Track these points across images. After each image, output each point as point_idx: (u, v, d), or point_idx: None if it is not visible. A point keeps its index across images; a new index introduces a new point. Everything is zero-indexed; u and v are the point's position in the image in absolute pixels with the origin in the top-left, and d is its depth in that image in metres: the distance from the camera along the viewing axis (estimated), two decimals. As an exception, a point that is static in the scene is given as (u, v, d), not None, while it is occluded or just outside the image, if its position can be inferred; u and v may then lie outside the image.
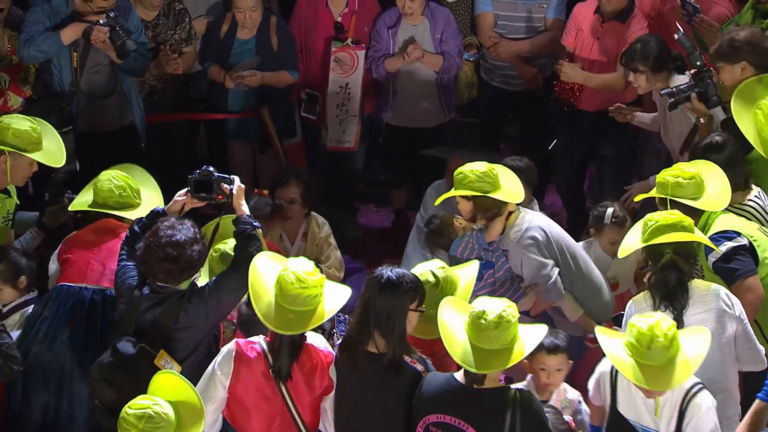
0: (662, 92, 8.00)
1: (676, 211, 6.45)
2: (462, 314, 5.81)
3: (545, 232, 6.96)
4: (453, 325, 5.78)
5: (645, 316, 5.62)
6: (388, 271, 5.96)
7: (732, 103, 7.48)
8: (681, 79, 7.97)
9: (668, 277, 6.21)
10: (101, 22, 8.31)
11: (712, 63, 7.91)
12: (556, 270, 6.98)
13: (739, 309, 6.30)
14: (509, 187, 7.00)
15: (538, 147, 9.06)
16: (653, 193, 6.93)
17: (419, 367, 6.00)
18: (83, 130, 8.66)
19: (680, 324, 6.07)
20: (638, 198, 7.40)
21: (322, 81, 9.37)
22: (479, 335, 5.59)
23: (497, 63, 9.41)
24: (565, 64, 8.88)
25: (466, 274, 6.61)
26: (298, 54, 9.43)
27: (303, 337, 6.09)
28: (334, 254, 8.01)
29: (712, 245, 6.53)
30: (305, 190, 8.26)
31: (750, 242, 6.68)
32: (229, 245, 6.87)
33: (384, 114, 9.52)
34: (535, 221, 7.00)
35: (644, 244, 6.28)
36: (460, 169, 6.93)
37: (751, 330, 6.35)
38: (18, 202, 7.54)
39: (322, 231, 8.29)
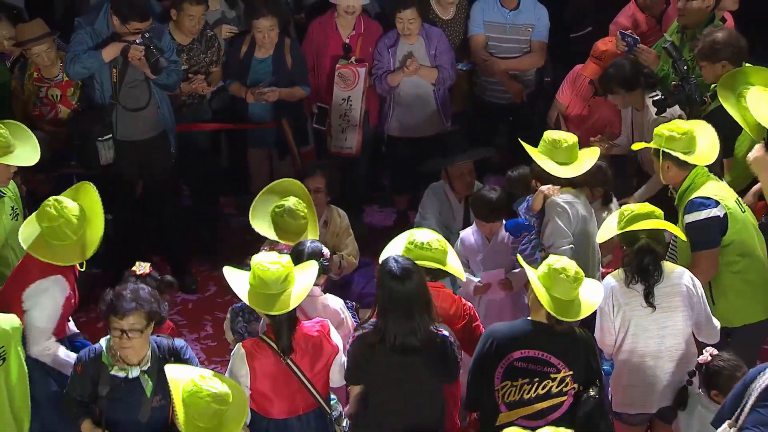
0: (652, 97, 8.30)
1: (647, 204, 6.82)
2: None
3: (576, 211, 7.29)
4: (532, 276, 6.27)
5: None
6: (394, 263, 6.35)
7: (718, 93, 7.81)
8: (652, 93, 8.37)
9: (643, 258, 6.60)
10: (137, 42, 8.68)
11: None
12: (570, 247, 7.25)
13: (700, 290, 6.73)
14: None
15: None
16: (650, 144, 7.23)
17: (446, 332, 6.37)
18: (121, 138, 9.00)
19: (652, 297, 6.60)
20: (636, 147, 7.64)
21: (329, 95, 9.70)
22: (560, 287, 6.12)
23: (488, 79, 9.71)
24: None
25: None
26: (311, 71, 9.72)
27: (296, 314, 6.47)
28: (352, 244, 8.27)
29: (681, 235, 6.88)
30: (329, 181, 8.62)
31: (725, 213, 6.96)
32: (291, 201, 7.25)
33: (386, 125, 9.83)
34: (571, 201, 7.32)
35: (620, 231, 6.67)
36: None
37: (708, 308, 6.78)
38: (21, 196, 7.63)
39: (342, 222, 8.54)
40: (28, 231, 6.71)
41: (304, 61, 9.67)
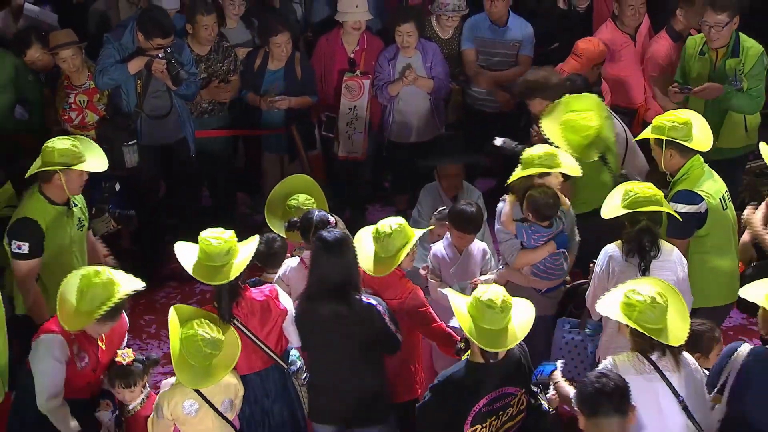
0: (497, 142, 8.36)
1: (651, 185, 6.86)
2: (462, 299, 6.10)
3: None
4: (459, 307, 6.04)
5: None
6: (327, 234, 6.45)
7: (541, 125, 8.05)
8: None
9: (642, 238, 6.73)
10: (160, 56, 8.91)
11: None
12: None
13: (685, 264, 6.92)
14: (570, 163, 7.46)
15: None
16: (648, 134, 7.31)
17: (372, 301, 6.42)
18: (145, 143, 9.17)
19: (648, 271, 6.72)
20: (641, 137, 7.57)
21: (336, 105, 9.87)
22: (489, 318, 5.89)
23: (478, 90, 9.99)
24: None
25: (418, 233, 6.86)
26: (318, 83, 9.94)
27: (238, 284, 6.56)
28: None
29: (677, 216, 6.94)
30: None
31: (707, 209, 7.13)
32: (300, 200, 7.53)
33: (387, 132, 10.06)
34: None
35: (627, 210, 6.74)
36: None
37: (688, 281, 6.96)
38: (82, 207, 7.68)
39: (338, 225, 8.29)
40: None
41: (312, 72, 9.90)
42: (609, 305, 6.01)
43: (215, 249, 6.45)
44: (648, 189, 6.83)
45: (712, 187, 7.27)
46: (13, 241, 7.26)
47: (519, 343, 6.07)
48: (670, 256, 6.90)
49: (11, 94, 9.44)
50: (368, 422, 6.65)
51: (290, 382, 6.97)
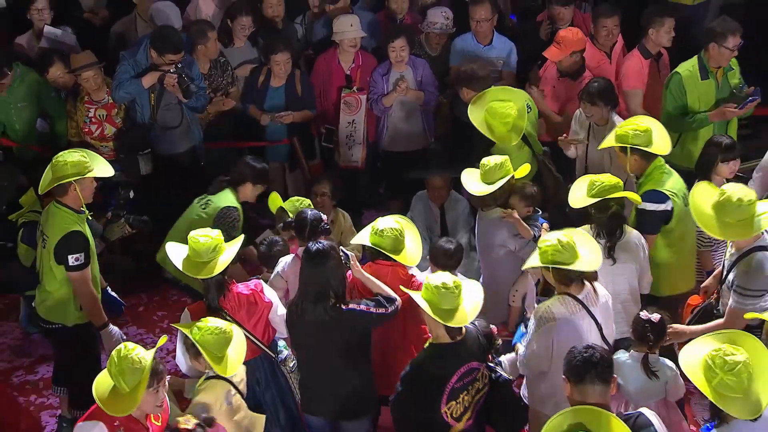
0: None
1: (609, 175, 7.27)
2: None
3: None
4: (418, 298, 6.29)
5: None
6: (313, 246, 6.64)
7: (469, 113, 8.69)
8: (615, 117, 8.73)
9: (613, 222, 7.19)
10: (171, 71, 9.25)
11: None
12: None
13: (646, 248, 7.38)
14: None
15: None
16: (613, 143, 7.69)
17: (353, 305, 6.58)
18: (158, 152, 9.59)
19: (613, 252, 7.17)
20: (603, 146, 7.99)
21: (335, 118, 10.18)
22: (446, 300, 6.20)
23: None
24: (534, 89, 9.57)
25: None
26: (317, 98, 10.22)
27: (224, 279, 6.82)
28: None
29: (639, 201, 7.39)
30: (333, 186, 9.05)
31: (672, 207, 7.49)
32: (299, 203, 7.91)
33: (381, 142, 10.34)
34: None
35: (597, 199, 7.14)
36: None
37: (648, 264, 7.43)
38: (90, 217, 7.80)
39: (346, 221, 8.94)
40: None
41: (311, 89, 10.20)
42: (530, 261, 6.63)
43: (202, 246, 6.78)
44: (611, 177, 7.26)
45: (675, 185, 7.65)
46: (70, 257, 7.47)
47: (473, 323, 6.45)
48: (631, 237, 7.35)
49: (34, 108, 9.75)
50: (356, 415, 6.88)
51: (279, 371, 7.21)
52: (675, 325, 7.10)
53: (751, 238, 6.82)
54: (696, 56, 9.16)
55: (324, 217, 7.61)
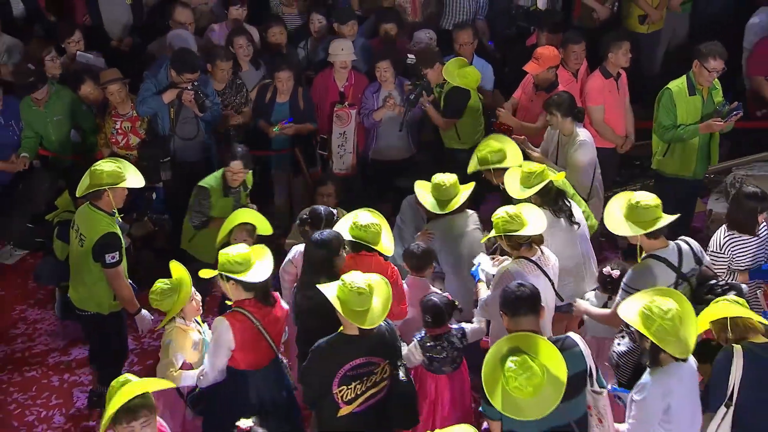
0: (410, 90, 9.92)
1: (537, 163, 7.83)
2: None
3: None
4: (330, 294, 6.44)
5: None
6: (319, 234, 7.00)
7: (444, 75, 9.69)
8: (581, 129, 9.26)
9: (558, 199, 7.80)
10: (189, 88, 9.67)
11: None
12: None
13: (583, 219, 8.04)
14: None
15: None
16: (477, 167, 8.33)
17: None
18: (177, 160, 9.96)
19: (573, 217, 7.84)
20: (470, 169, 8.50)
21: (329, 129, 10.54)
22: (356, 301, 6.36)
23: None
24: (502, 111, 10.16)
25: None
26: (316, 112, 10.55)
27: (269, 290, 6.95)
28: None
29: (561, 175, 7.87)
30: (337, 188, 9.39)
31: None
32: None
33: (370, 152, 10.68)
34: None
35: (537, 188, 7.63)
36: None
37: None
38: (120, 219, 8.06)
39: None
40: None
41: (312, 104, 10.56)
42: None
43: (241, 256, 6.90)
44: (538, 165, 7.87)
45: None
46: (107, 255, 7.76)
47: (386, 321, 6.65)
48: (578, 212, 8.08)
49: (69, 121, 10.25)
50: None
51: (285, 369, 7.38)
52: (579, 301, 7.72)
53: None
54: (685, 74, 9.57)
55: (335, 212, 7.91)
